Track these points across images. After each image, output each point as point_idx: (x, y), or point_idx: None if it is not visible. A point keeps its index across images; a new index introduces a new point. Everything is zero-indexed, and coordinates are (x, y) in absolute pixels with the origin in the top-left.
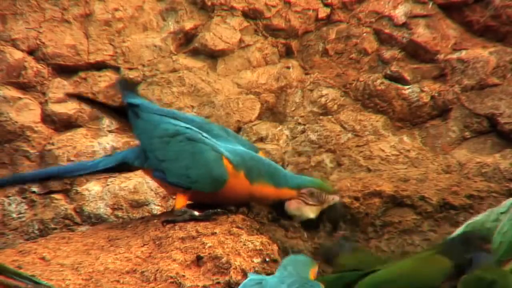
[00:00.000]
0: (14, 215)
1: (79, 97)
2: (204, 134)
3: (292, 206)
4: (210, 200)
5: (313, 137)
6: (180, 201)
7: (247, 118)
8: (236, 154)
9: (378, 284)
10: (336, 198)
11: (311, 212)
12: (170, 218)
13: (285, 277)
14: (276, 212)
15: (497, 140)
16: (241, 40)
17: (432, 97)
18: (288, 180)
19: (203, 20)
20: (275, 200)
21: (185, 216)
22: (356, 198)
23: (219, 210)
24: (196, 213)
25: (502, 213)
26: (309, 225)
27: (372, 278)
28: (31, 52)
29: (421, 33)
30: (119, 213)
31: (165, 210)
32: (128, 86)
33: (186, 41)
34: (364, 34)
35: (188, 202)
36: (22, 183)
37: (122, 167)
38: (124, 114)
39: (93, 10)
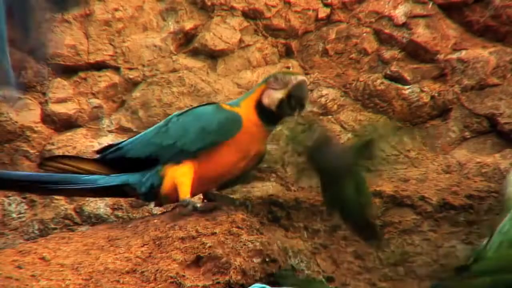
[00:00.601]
0: (14, 215)
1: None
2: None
3: (264, 97)
4: (231, 159)
5: None
6: (184, 191)
7: None
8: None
9: (491, 270)
10: (299, 77)
11: (279, 94)
12: (177, 210)
13: None
14: (264, 119)
15: (497, 140)
16: (241, 40)
17: (432, 97)
18: (256, 85)
19: (203, 20)
20: (256, 104)
21: (188, 207)
22: None
23: (219, 204)
24: (199, 204)
25: None
26: (284, 111)
27: (487, 263)
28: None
29: (421, 33)
30: (119, 213)
31: (165, 210)
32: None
33: (186, 41)
34: (364, 34)
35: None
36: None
37: (123, 188)
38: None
39: (93, 10)
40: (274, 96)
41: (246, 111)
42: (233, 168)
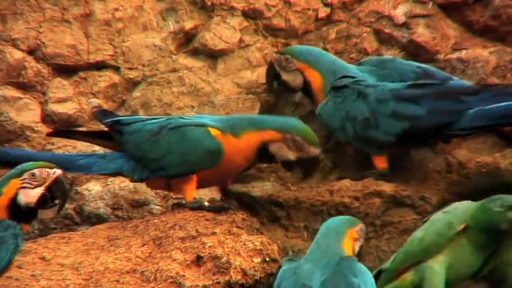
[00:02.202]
0: None
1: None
2: (185, 116)
3: (275, 147)
4: (214, 177)
5: None
6: (189, 194)
7: None
8: (219, 120)
9: None
10: (316, 151)
11: (291, 155)
12: (181, 205)
13: (318, 259)
14: (261, 157)
15: (497, 140)
16: (241, 40)
17: None
18: (271, 122)
19: (203, 20)
20: (261, 145)
21: (194, 205)
22: (356, 198)
23: (226, 205)
24: (206, 203)
25: None
26: (287, 165)
27: None
28: (31, 52)
29: (421, 33)
30: (119, 213)
31: (165, 210)
32: (104, 113)
33: (186, 41)
34: (364, 34)
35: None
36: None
37: (117, 175)
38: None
39: (93, 10)
40: (285, 153)
41: (229, 140)
42: (228, 174)
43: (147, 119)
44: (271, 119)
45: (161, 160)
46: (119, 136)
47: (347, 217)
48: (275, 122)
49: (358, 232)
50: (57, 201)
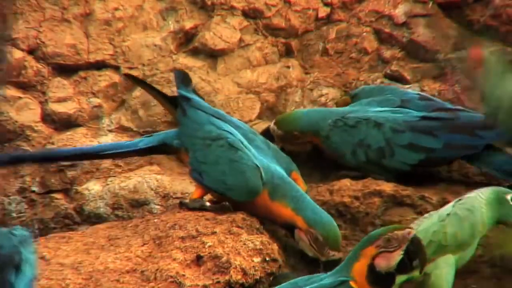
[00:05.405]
0: (14, 215)
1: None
2: (245, 143)
3: (299, 235)
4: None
5: None
6: (196, 193)
7: (247, 118)
8: (268, 170)
9: None
10: (334, 255)
11: (310, 252)
12: (184, 204)
13: (331, 275)
14: (286, 230)
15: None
16: (241, 40)
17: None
18: (306, 209)
19: (203, 20)
20: (288, 222)
21: (196, 204)
22: (356, 198)
23: (227, 203)
24: (208, 203)
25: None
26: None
27: None
28: (31, 51)
29: (421, 33)
30: (119, 213)
31: (165, 210)
32: (184, 78)
33: (186, 41)
34: (364, 33)
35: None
36: (53, 160)
37: (162, 147)
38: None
39: (93, 9)
40: (305, 247)
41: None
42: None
43: (215, 114)
44: (308, 204)
45: (203, 166)
46: (182, 115)
47: (371, 233)
48: (308, 212)
49: (379, 248)
50: None
